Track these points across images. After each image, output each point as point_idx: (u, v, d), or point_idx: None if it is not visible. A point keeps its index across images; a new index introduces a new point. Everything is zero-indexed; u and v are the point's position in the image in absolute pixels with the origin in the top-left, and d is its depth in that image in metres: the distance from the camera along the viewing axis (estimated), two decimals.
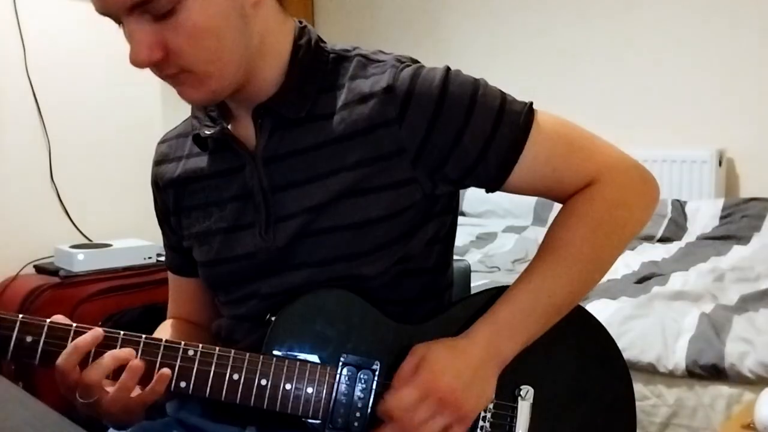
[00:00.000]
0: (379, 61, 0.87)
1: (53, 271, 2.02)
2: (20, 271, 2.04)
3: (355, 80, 0.86)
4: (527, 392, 0.87)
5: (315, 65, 0.86)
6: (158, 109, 2.37)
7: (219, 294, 0.95)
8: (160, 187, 0.98)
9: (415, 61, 0.88)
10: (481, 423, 0.85)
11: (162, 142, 1.01)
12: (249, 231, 0.88)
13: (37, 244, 2.09)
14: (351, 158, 0.84)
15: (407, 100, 0.83)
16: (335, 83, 0.86)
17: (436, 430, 0.79)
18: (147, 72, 0.81)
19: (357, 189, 0.84)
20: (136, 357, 0.78)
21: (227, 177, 0.90)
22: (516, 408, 0.86)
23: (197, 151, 0.94)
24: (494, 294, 0.87)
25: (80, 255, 2.00)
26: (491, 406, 0.85)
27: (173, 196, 0.96)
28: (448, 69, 0.85)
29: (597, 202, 0.86)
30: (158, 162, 1.00)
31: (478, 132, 0.83)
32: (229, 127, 0.89)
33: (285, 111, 0.85)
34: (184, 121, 1.00)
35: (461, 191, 0.98)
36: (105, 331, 0.79)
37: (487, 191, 0.90)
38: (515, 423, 0.86)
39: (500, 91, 0.87)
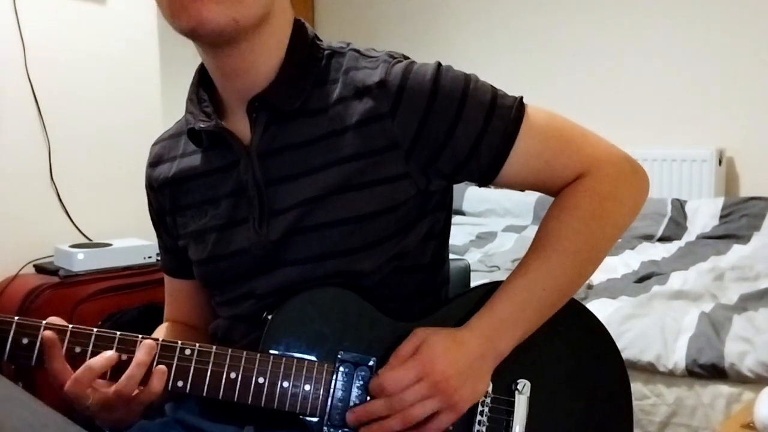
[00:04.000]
0: (371, 57, 0.88)
1: (53, 271, 2.01)
2: (20, 270, 2.03)
3: (348, 75, 0.86)
4: (524, 386, 0.87)
5: (310, 60, 0.87)
6: (158, 109, 2.37)
7: (215, 293, 0.95)
8: (155, 188, 0.98)
9: (407, 58, 0.89)
10: (478, 417, 0.85)
11: (155, 144, 1.01)
12: (243, 226, 0.88)
13: (36, 243, 2.09)
14: (344, 152, 0.84)
15: (399, 94, 0.83)
16: (329, 78, 0.87)
17: (424, 413, 0.80)
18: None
19: (351, 184, 0.84)
20: (120, 357, 0.78)
21: (222, 174, 0.90)
22: (513, 402, 0.86)
23: (191, 150, 0.94)
24: (489, 289, 0.87)
25: (80, 254, 2.00)
26: (488, 400, 0.85)
27: (169, 195, 0.96)
28: (439, 64, 0.86)
29: (588, 194, 0.86)
30: (152, 164, 1.00)
31: (470, 126, 0.84)
32: (224, 123, 0.89)
33: (280, 103, 0.85)
34: (177, 121, 1.00)
35: (458, 189, 0.98)
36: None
37: (480, 185, 0.90)
38: (512, 417, 0.86)
39: (491, 85, 0.87)
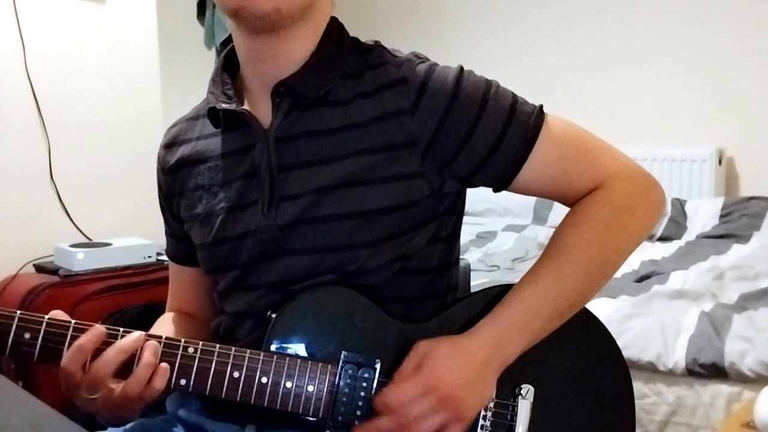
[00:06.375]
0: (397, 56, 0.89)
1: (53, 270, 2.01)
2: (20, 270, 2.03)
3: (373, 70, 0.87)
4: (528, 391, 0.87)
5: (339, 53, 0.89)
6: (158, 109, 2.37)
7: (219, 281, 0.95)
8: (167, 170, 0.99)
9: (430, 60, 0.90)
10: (481, 422, 0.85)
11: (172, 126, 1.02)
12: (252, 209, 0.88)
13: (36, 243, 2.08)
14: (361, 145, 0.85)
15: (421, 92, 0.84)
16: (355, 72, 0.88)
17: (432, 427, 0.79)
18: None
19: (364, 178, 0.84)
20: (143, 345, 0.78)
21: (237, 157, 0.90)
22: (516, 407, 0.86)
23: (208, 133, 0.95)
24: (497, 293, 0.87)
25: (80, 254, 2.00)
26: (492, 405, 0.85)
27: (180, 176, 0.97)
28: (461, 68, 0.87)
29: (605, 206, 0.86)
30: (167, 145, 1.00)
31: (489, 130, 0.84)
32: (245, 106, 0.90)
33: (304, 89, 0.86)
34: (195, 106, 1.01)
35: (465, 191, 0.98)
36: (105, 328, 0.79)
37: (495, 190, 0.91)
38: (515, 421, 0.86)
39: (512, 92, 0.88)
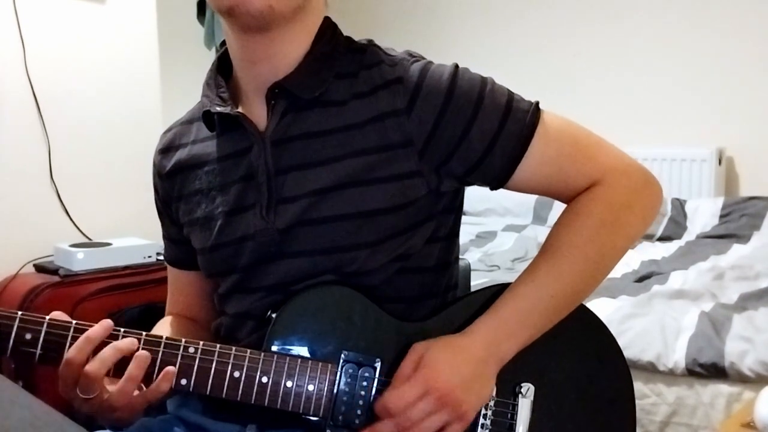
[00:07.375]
0: (391, 55, 0.89)
1: (53, 270, 2.01)
2: (20, 270, 2.03)
3: (368, 70, 0.87)
4: (528, 389, 0.87)
5: (333, 54, 0.88)
6: (157, 109, 2.37)
7: (219, 284, 0.95)
8: (163, 176, 0.98)
9: (424, 58, 0.90)
10: (482, 420, 0.85)
11: (167, 131, 1.02)
12: (250, 212, 0.88)
13: (36, 242, 2.08)
14: (358, 146, 0.85)
15: (416, 92, 0.84)
16: (349, 72, 0.88)
17: (433, 428, 0.79)
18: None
19: (362, 178, 0.84)
20: (139, 348, 0.78)
21: (234, 160, 0.90)
22: (516, 405, 0.86)
23: (203, 137, 0.94)
24: (495, 292, 0.87)
25: (80, 254, 2.00)
26: (492, 403, 0.85)
27: (178, 182, 0.96)
28: (456, 66, 0.87)
29: (601, 203, 0.86)
30: (162, 150, 1.00)
31: (485, 128, 0.84)
32: (240, 109, 0.90)
33: (299, 91, 0.86)
34: (190, 109, 1.01)
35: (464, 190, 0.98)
36: (112, 324, 0.79)
37: (491, 188, 0.90)
38: (516, 420, 0.86)
39: (507, 89, 0.88)
